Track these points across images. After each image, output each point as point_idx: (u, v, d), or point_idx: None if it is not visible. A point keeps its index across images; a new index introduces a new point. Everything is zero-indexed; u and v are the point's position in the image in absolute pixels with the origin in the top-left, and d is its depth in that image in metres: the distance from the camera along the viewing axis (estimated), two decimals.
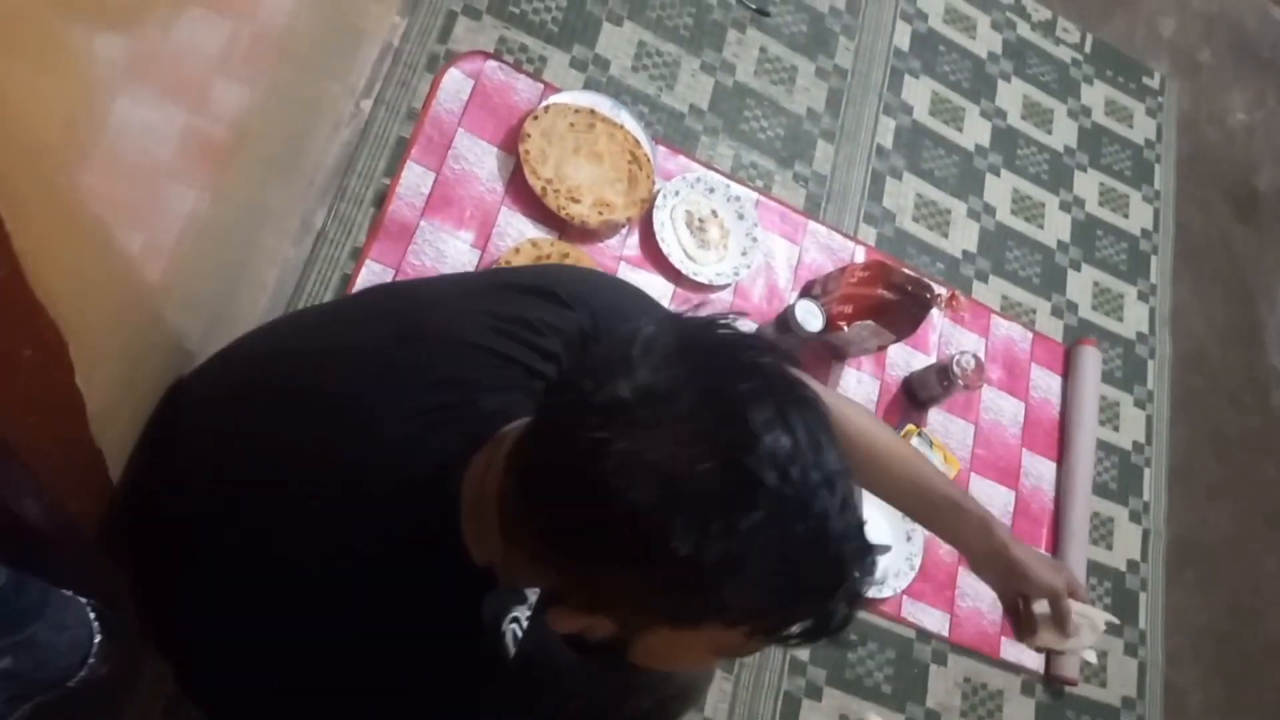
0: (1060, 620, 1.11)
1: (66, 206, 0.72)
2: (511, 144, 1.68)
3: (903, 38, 2.19)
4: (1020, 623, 1.13)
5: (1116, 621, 1.34)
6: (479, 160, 1.66)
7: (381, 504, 0.78)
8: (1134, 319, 2.19)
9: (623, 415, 0.64)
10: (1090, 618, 1.14)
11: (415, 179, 1.61)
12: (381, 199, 1.58)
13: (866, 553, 0.68)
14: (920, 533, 1.71)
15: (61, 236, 0.71)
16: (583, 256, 1.64)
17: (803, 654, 1.65)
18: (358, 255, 1.55)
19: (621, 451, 0.62)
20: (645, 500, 0.61)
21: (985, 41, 2.30)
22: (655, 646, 0.72)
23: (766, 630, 0.68)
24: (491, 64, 1.73)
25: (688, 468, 0.62)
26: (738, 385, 0.65)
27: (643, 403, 0.64)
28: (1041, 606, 1.12)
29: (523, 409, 0.78)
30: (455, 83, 1.69)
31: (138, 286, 0.91)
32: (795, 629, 0.68)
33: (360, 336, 0.91)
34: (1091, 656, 1.30)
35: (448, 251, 1.60)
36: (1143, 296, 2.23)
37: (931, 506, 1.16)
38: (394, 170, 1.60)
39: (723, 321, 0.71)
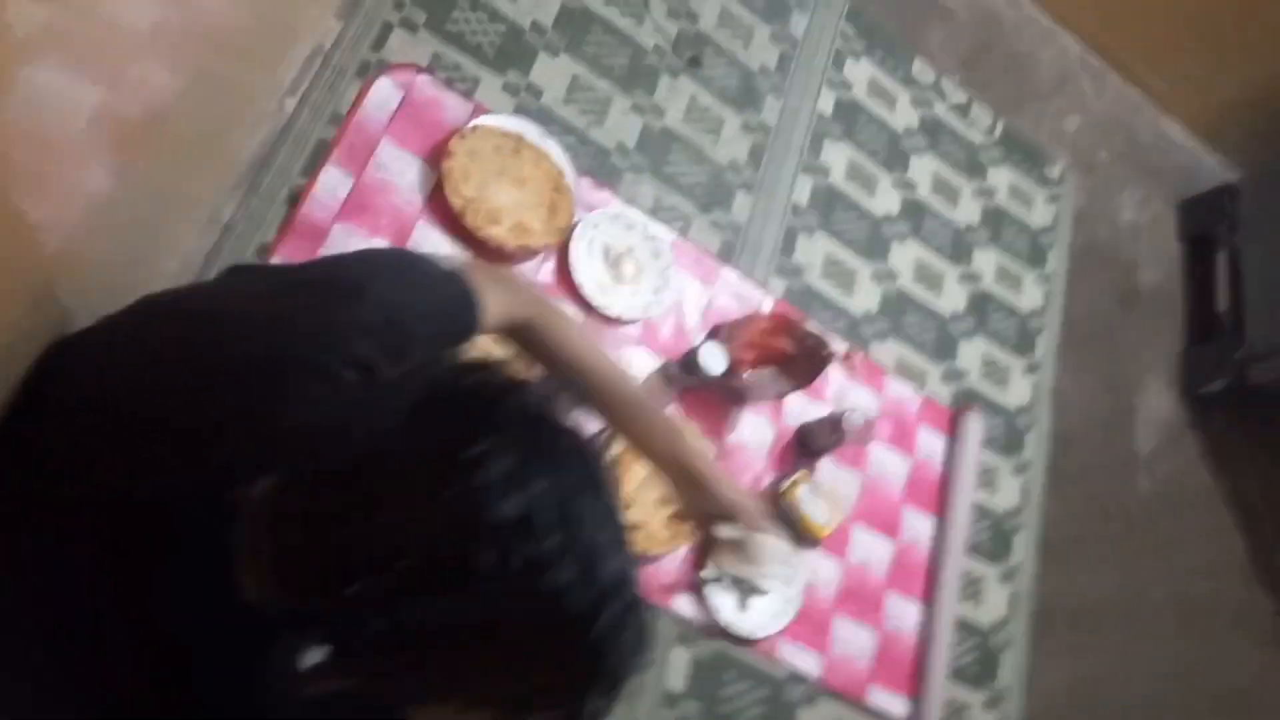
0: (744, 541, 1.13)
1: None
2: (435, 159, 1.69)
3: (827, 103, 2.28)
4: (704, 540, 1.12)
5: (795, 561, 1.30)
6: (400, 171, 1.67)
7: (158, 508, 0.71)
8: (1018, 391, 2.30)
9: (355, 481, 0.61)
10: (774, 549, 1.15)
11: (333, 182, 1.60)
12: (295, 198, 1.56)
13: (628, 638, 0.62)
14: (800, 577, 1.75)
15: None
16: None
17: (677, 685, 1.66)
18: (264, 252, 1.52)
19: (347, 514, 0.60)
20: (345, 563, 0.59)
21: (904, 116, 2.41)
22: (423, 712, 0.67)
23: (513, 711, 0.64)
24: (424, 78, 1.74)
25: (402, 540, 0.59)
26: (471, 443, 0.60)
27: (370, 467, 0.61)
28: (731, 533, 1.12)
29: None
30: (384, 92, 1.70)
31: (26, 254, 0.88)
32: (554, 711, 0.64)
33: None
34: (770, 586, 1.28)
35: None
36: (1027, 371, 2.34)
37: (624, 407, 1.11)
38: (311, 171, 1.59)
39: (474, 367, 0.68)
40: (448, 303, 0.90)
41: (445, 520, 0.58)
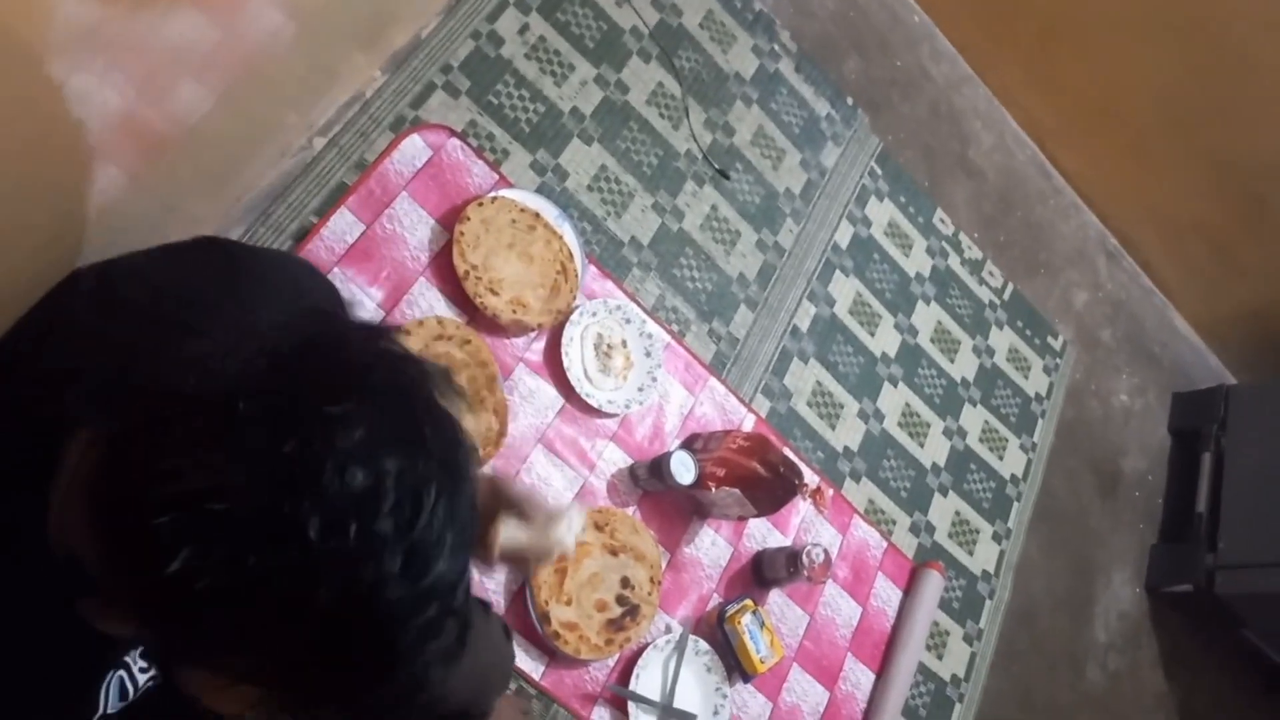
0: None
1: None
2: (449, 221, 1.70)
3: (844, 236, 2.31)
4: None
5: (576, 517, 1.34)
6: (412, 227, 1.68)
7: None
8: (984, 557, 2.28)
9: (181, 417, 0.55)
10: (559, 516, 1.20)
11: (343, 225, 1.61)
12: (303, 235, 1.57)
13: (434, 646, 0.58)
14: (727, 709, 1.70)
15: None
16: (483, 347, 1.64)
17: None
18: None
19: (179, 452, 0.54)
20: (162, 509, 0.52)
21: (917, 262, 2.44)
22: (192, 678, 0.63)
23: (283, 694, 0.59)
24: (455, 141, 1.76)
25: (224, 488, 0.52)
26: (329, 403, 0.55)
27: (205, 411, 0.55)
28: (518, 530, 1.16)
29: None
30: (414, 148, 1.72)
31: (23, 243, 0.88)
32: (319, 707, 0.59)
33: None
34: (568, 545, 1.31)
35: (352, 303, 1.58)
36: (997, 538, 2.32)
37: None
38: (325, 211, 1.60)
39: (372, 330, 0.63)
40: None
41: (281, 471, 0.53)
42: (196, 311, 0.80)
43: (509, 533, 1.16)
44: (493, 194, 1.75)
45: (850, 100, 2.44)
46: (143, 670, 0.82)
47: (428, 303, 1.66)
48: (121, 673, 0.80)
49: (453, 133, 1.76)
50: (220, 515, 0.52)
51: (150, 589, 0.54)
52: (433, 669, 0.59)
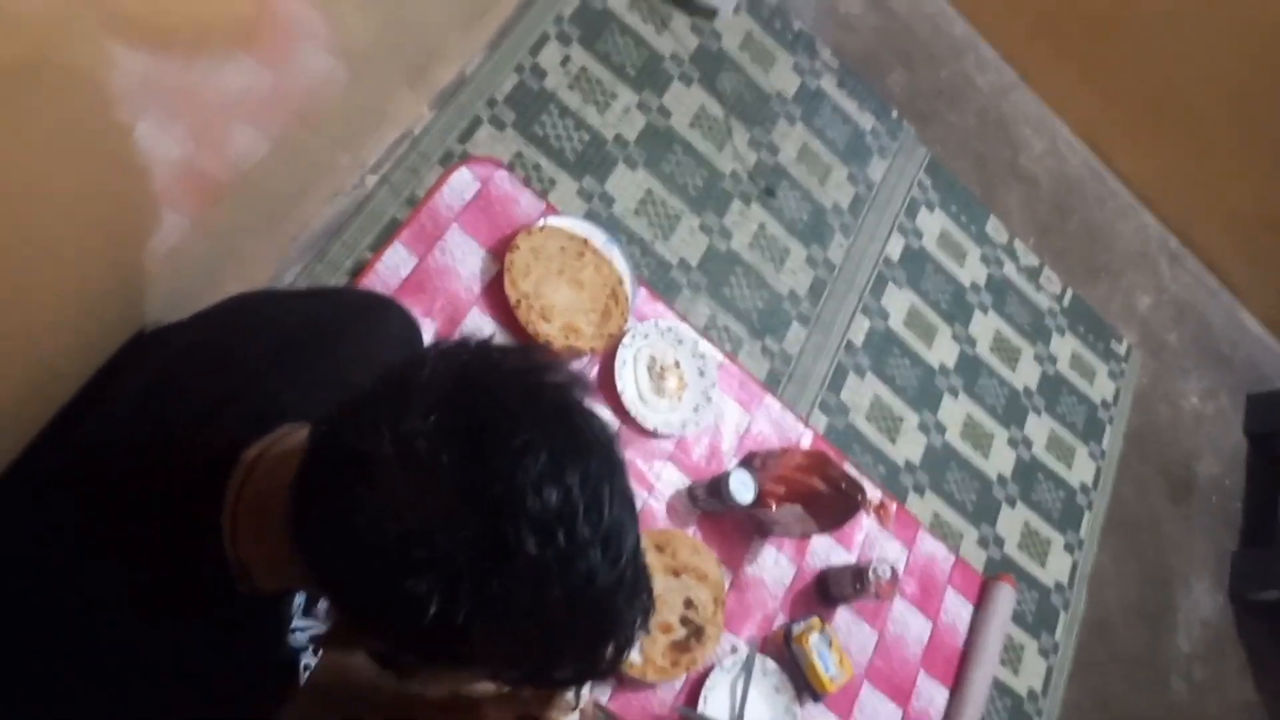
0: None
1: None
2: (500, 251, 1.72)
3: (895, 248, 2.29)
4: None
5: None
6: (464, 258, 1.70)
7: (151, 491, 0.76)
8: (1056, 568, 2.22)
9: (380, 469, 0.63)
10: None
11: (397, 260, 1.64)
12: (359, 270, 1.60)
13: (637, 601, 0.68)
14: None
15: None
16: None
17: None
18: None
19: (376, 507, 0.62)
20: (395, 560, 0.61)
21: (971, 271, 2.41)
22: (430, 676, 0.75)
23: (528, 679, 0.71)
24: (502, 173, 1.79)
25: (443, 529, 0.61)
26: (510, 437, 0.63)
27: (402, 456, 0.63)
28: None
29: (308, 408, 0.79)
30: (463, 181, 1.74)
31: (78, 294, 0.91)
32: (562, 674, 0.70)
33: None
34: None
35: None
36: (1069, 548, 2.27)
37: None
38: (379, 246, 1.63)
39: (509, 350, 0.70)
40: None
41: (492, 505, 0.62)
42: (313, 350, 0.92)
43: None
44: (541, 222, 1.77)
45: (895, 113, 2.43)
46: (300, 652, 0.92)
47: (482, 332, 1.68)
48: (306, 658, 0.91)
49: (500, 164, 1.79)
50: (454, 553, 0.61)
51: (411, 635, 0.65)
52: (639, 622, 0.69)
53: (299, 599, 0.93)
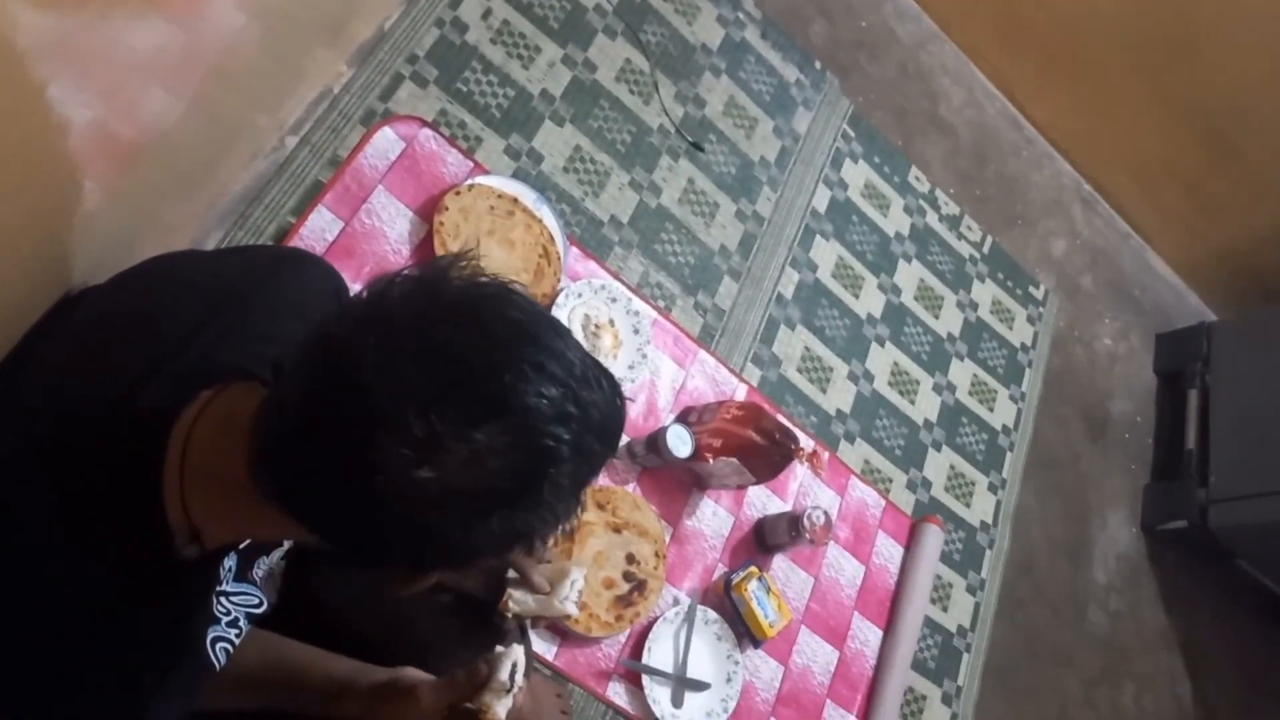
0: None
1: None
2: (428, 212, 1.69)
3: (821, 200, 2.31)
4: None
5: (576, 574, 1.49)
6: (391, 220, 1.67)
7: (80, 451, 0.77)
8: (980, 508, 2.30)
9: (412, 447, 0.65)
10: (563, 575, 1.41)
11: (322, 224, 1.60)
12: (282, 235, 1.56)
13: (617, 385, 0.77)
14: (740, 675, 1.72)
15: None
16: None
17: None
18: None
19: (422, 481, 0.65)
20: (451, 525, 0.68)
21: (895, 221, 2.45)
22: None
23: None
24: (427, 132, 1.75)
25: (487, 479, 0.67)
26: (498, 373, 0.67)
27: (432, 440, 0.66)
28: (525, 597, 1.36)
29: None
30: (386, 141, 1.71)
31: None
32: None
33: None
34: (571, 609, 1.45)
35: None
36: (993, 489, 2.35)
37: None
38: (302, 210, 1.59)
39: (429, 280, 0.72)
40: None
41: (518, 440, 0.67)
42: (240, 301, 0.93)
43: (518, 600, 1.27)
44: (469, 182, 1.75)
45: (818, 64, 2.44)
46: (230, 625, 0.93)
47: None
48: (217, 630, 0.91)
49: (424, 123, 1.75)
50: (501, 485, 0.69)
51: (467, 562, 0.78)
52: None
53: (229, 564, 0.92)
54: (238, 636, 0.94)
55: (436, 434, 0.65)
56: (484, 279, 0.73)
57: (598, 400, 0.73)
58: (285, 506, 0.70)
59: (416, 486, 0.65)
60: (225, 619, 0.92)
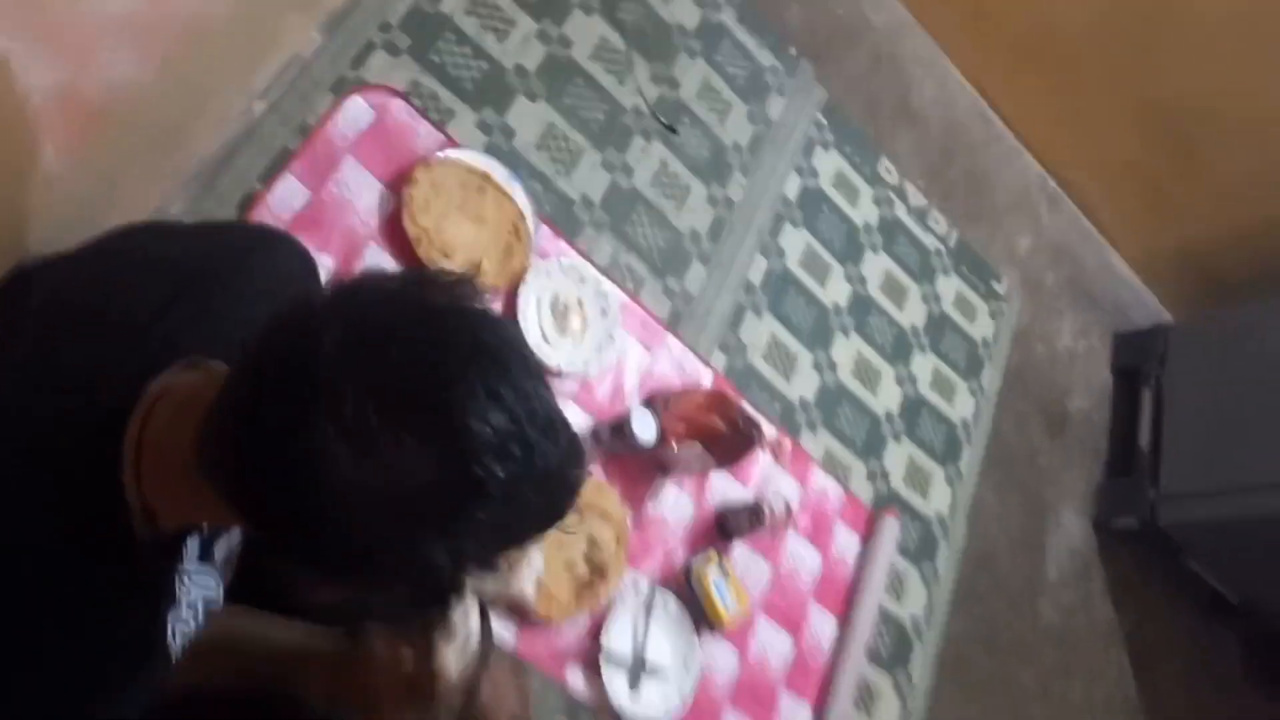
0: None
1: None
2: (397, 185, 1.66)
3: (792, 188, 2.31)
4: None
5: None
6: (359, 191, 1.63)
7: (42, 440, 0.75)
8: (938, 500, 2.33)
9: (344, 434, 0.63)
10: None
11: (289, 192, 1.56)
12: (249, 202, 1.52)
13: (581, 460, 0.74)
14: (698, 661, 1.73)
15: None
16: None
17: None
18: None
19: (344, 472, 0.63)
20: (377, 529, 0.65)
21: (864, 212, 2.45)
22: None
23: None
24: (399, 102, 1.71)
25: (407, 490, 0.64)
26: (447, 384, 0.65)
27: (345, 432, 0.63)
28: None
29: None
30: (357, 110, 1.66)
31: None
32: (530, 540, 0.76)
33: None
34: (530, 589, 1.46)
35: None
36: (949, 481, 2.38)
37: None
38: (269, 178, 1.55)
39: (398, 283, 0.71)
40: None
41: (448, 458, 0.64)
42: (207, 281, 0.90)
43: (474, 587, 1.24)
44: (440, 155, 1.71)
45: (793, 50, 2.43)
46: (189, 607, 0.91)
47: (380, 268, 1.62)
48: (176, 614, 0.89)
49: (395, 93, 1.71)
50: (427, 507, 0.65)
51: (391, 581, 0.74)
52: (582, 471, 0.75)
53: (192, 545, 0.90)
54: (194, 621, 0.92)
55: (369, 427, 0.63)
56: (474, 301, 0.71)
57: (548, 452, 0.68)
58: (214, 483, 0.69)
59: (339, 478, 0.63)
60: (185, 600, 0.90)
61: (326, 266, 1.57)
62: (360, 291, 0.69)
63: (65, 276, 0.92)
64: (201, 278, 0.90)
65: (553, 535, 1.65)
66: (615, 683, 1.62)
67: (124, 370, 0.77)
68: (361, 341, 0.66)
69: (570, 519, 0.75)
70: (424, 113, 1.74)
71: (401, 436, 0.63)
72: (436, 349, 0.66)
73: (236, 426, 0.68)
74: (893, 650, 2.13)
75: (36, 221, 1.00)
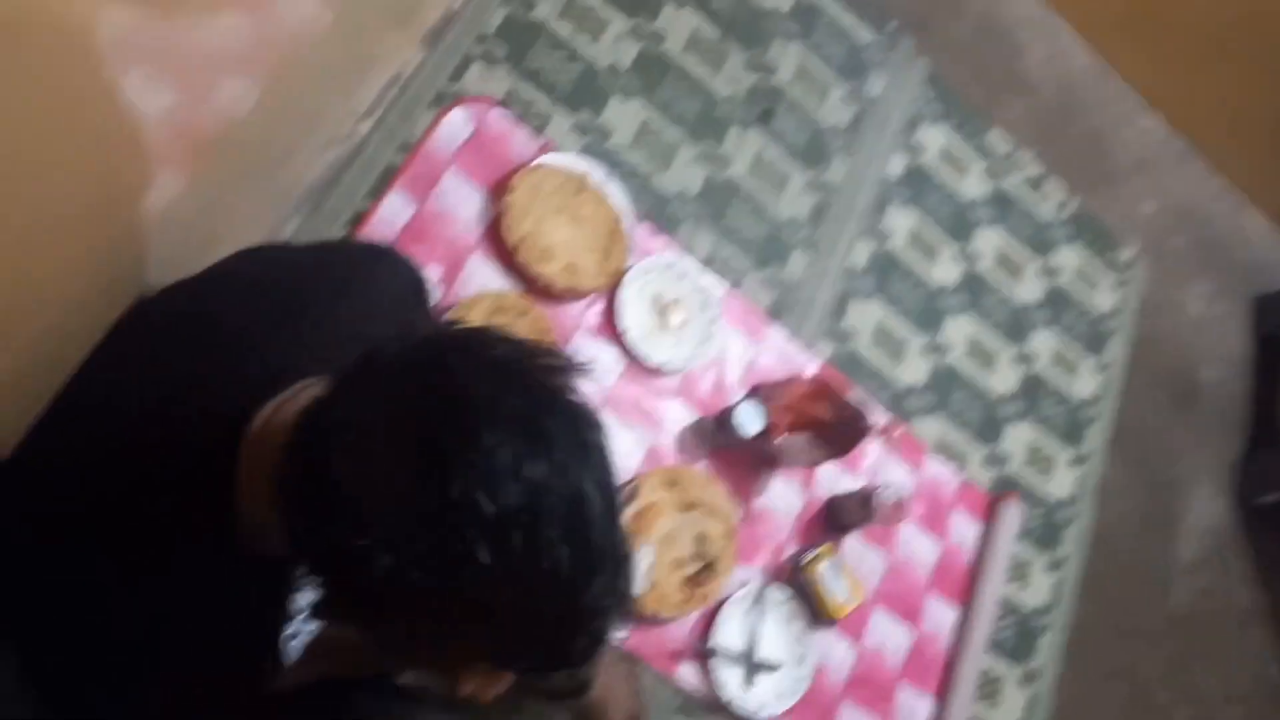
0: None
1: None
2: (498, 193, 1.70)
3: (896, 167, 2.25)
4: None
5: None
6: (461, 202, 1.68)
7: (158, 452, 0.77)
8: (1061, 483, 2.25)
9: (345, 461, 0.64)
10: None
11: (395, 208, 1.62)
12: (357, 220, 1.58)
13: (613, 588, 0.65)
14: (812, 657, 1.72)
15: None
16: (542, 316, 1.65)
17: None
18: None
19: (342, 504, 0.63)
20: (378, 570, 0.61)
21: (974, 186, 2.37)
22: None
23: (501, 667, 0.71)
24: (496, 111, 1.75)
25: (397, 536, 0.61)
26: (471, 435, 0.61)
27: (360, 453, 0.63)
28: None
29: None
30: (457, 123, 1.71)
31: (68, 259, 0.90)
32: (527, 665, 0.70)
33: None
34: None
35: None
36: (1074, 462, 2.29)
37: None
38: (376, 195, 1.61)
39: (499, 340, 0.69)
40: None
41: (441, 516, 0.60)
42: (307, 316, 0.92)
43: None
44: (538, 160, 1.74)
45: (893, 23, 2.36)
46: (306, 620, 0.94)
47: (483, 277, 1.67)
48: (292, 626, 0.92)
49: (494, 102, 1.75)
50: (406, 564, 0.60)
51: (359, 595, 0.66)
52: (617, 606, 0.67)
53: None
54: (307, 627, 0.96)
55: (376, 449, 0.63)
56: (569, 382, 0.68)
57: (561, 561, 0.61)
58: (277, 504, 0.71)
59: (353, 522, 0.62)
60: (298, 610, 0.95)
61: (434, 277, 1.62)
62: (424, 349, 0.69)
63: (182, 299, 0.96)
64: (312, 298, 0.94)
65: (663, 531, 1.66)
66: (728, 678, 1.63)
67: (236, 388, 0.81)
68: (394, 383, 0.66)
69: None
70: (521, 119, 1.77)
71: (405, 470, 0.61)
72: (483, 398, 0.63)
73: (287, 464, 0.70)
74: (1016, 639, 2.07)
75: (155, 253, 1.06)
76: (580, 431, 0.66)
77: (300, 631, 0.96)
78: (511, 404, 0.64)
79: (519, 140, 1.76)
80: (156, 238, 1.08)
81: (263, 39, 1.18)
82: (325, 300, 0.95)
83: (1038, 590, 2.13)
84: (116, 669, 0.78)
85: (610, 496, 0.66)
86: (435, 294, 1.61)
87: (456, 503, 0.60)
